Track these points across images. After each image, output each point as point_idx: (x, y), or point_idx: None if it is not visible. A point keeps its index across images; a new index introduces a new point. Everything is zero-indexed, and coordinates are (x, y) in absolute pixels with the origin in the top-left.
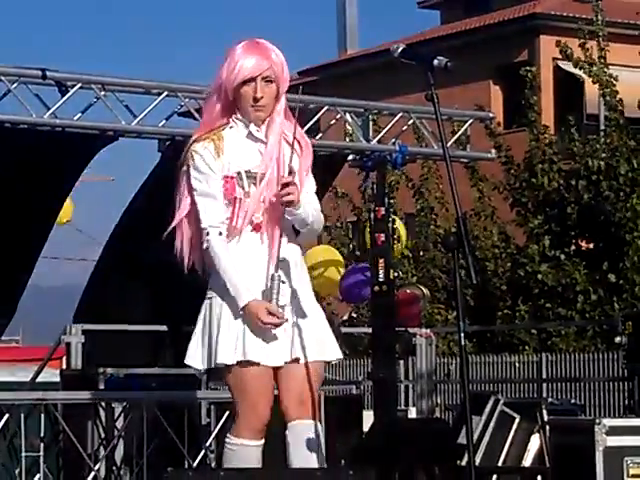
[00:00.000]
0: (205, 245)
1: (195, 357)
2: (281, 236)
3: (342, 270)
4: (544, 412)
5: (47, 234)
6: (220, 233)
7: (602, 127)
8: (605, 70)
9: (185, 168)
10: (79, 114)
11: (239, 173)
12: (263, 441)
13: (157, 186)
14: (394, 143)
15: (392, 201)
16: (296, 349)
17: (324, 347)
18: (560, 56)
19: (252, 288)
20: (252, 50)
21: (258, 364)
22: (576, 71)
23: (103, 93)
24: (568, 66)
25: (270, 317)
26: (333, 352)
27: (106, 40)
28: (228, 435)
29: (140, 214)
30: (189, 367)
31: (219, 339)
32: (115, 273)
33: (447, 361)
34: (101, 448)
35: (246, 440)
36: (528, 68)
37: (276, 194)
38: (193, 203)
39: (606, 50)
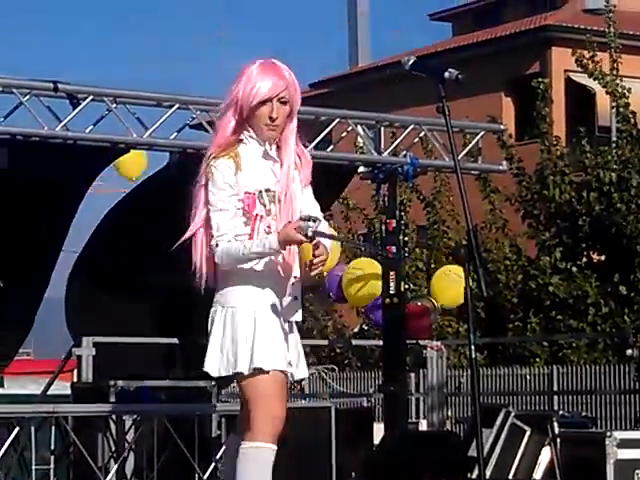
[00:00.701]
0: (216, 254)
1: (212, 364)
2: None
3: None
4: (555, 425)
5: (60, 247)
6: (229, 240)
7: (614, 139)
8: (617, 82)
9: (203, 182)
10: (91, 126)
11: (260, 191)
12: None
13: (161, 190)
14: (405, 155)
15: (403, 214)
16: (299, 363)
17: (304, 364)
18: (572, 68)
19: (271, 301)
20: (268, 71)
21: (283, 372)
22: (588, 83)
23: (115, 105)
24: (580, 78)
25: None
26: (305, 370)
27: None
28: (243, 441)
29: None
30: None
31: (249, 346)
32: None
33: (458, 373)
34: (112, 461)
35: (264, 443)
36: (540, 79)
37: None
38: (208, 218)
39: (619, 62)
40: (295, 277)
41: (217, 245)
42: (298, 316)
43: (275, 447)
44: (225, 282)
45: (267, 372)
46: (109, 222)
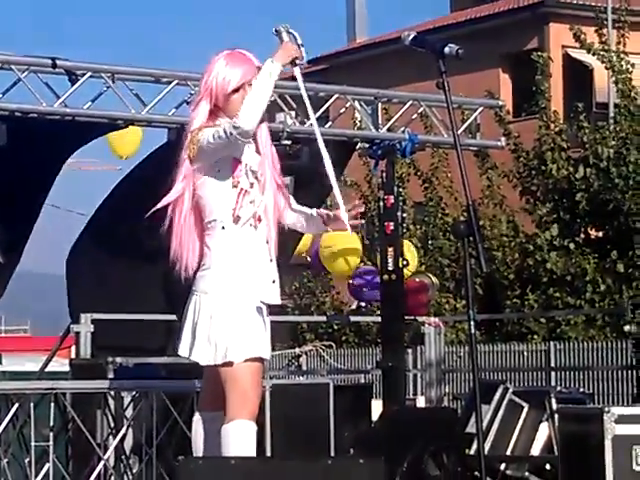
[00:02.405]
0: (241, 128)
1: (201, 354)
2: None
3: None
4: (553, 401)
5: (35, 216)
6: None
7: (611, 115)
8: (621, 57)
9: (185, 155)
10: (89, 103)
11: (246, 164)
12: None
13: (159, 168)
14: (404, 131)
15: (401, 190)
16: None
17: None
18: (569, 44)
19: (253, 288)
20: (238, 59)
21: (262, 359)
22: (586, 59)
23: (113, 82)
24: (578, 54)
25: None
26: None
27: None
28: (225, 425)
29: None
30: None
31: (240, 336)
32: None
33: (456, 350)
34: (110, 437)
35: (247, 420)
36: (539, 53)
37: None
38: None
39: (626, 37)
40: (271, 260)
41: (236, 125)
42: (277, 299)
43: (255, 426)
44: (206, 268)
45: (254, 360)
46: (109, 202)
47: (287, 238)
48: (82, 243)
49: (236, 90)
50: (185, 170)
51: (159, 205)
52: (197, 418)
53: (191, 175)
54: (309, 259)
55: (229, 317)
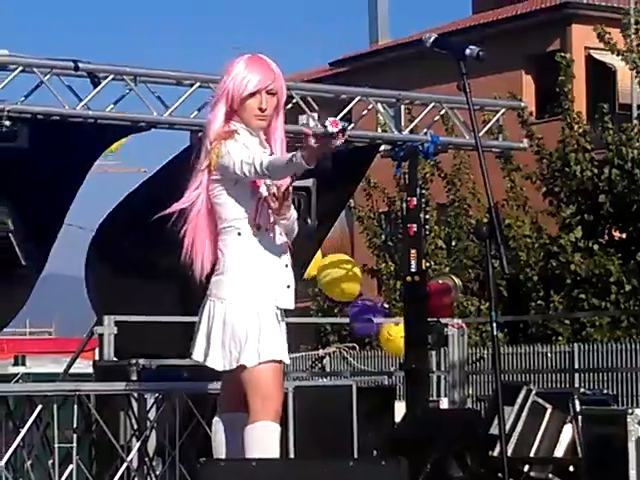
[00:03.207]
0: (259, 173)
1: (216, 360)
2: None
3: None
4: (576, 402)
5: (62, 222)
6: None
7: (635, 116)
8: None
9: (204, 167)
10: (111, 105)
11: None
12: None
13: (181, 171)
14: (426, 133)
15: (424, 192)
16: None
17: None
18: (592, 45)
19: (268, 293)
20: (257, 64)
21: (280, 361)
22: (609, 60)
23: (135, 84)
24: (600, 55)
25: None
26: None
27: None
28: (248, 426)
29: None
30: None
31: (254, 341)
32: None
33: (479, 352)
34: (133, 439)
35: (270, 422)
36: (563, 55)
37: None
38: (208, 200)
39: None
40: (287, 266)
41: (262, 163)
42: (291, 304)
43: (279, 427)
44: (220, 273)
45: (271, 362)
46: (129, 203)
47: (305, 241)
48: (95, 249)
49: (252, 95)
50: (201, 177)
51: (169, 210)
52: (217, 420)
53: (208, 182)
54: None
55: (243, 323)
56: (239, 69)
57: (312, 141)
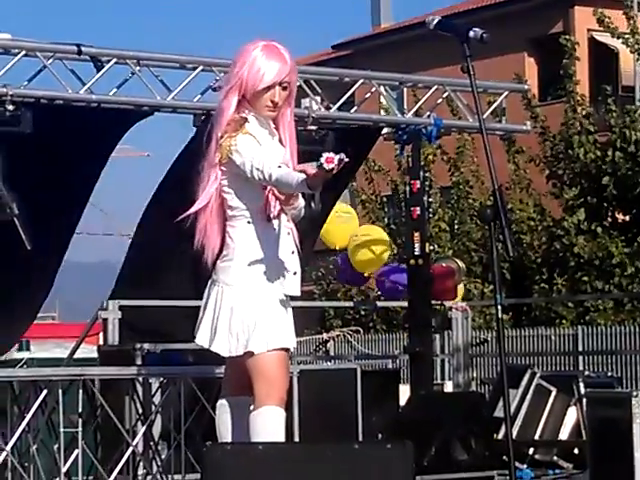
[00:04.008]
0: (271, 181)
1: (222, 346)
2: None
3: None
4: (581, 385)
5: (82, 210)
6: (280, 166)
7: (638, 97)
8: None
9: (216, 161)
10: (114, 89)
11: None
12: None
13: (192, 160)
14: (429, 116)
15: (427, 174)
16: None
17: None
18: (595, 27)
19: (275, 279)
20: (273, 56)
21: (287, 349)
22: (611, 42)
23: (138, 68)
24: (603, 37)
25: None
26: None
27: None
28: (253, 412)
29: (175, 189)
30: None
31: (263, 327)
32: (152, 248)
33: (484, 335)
34: (139, 424)
35: (276, 406)
36: (567, 37)
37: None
38: (219, 197)
39: None
40: (293, 252)
41: (271, 176)
42: (297, 291)
43: (284, 412)
44: (229, 259)
45: (280, 350)
46: (159, 198)
47: (309, 225)
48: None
49: (267, 88)
50: (215, 172)
51: (191, 210)
52: (220, 404)
53: (219, 174)
54: (339, 261)
55: (251, 309)
56: (254, 59)
57: (311, 173)
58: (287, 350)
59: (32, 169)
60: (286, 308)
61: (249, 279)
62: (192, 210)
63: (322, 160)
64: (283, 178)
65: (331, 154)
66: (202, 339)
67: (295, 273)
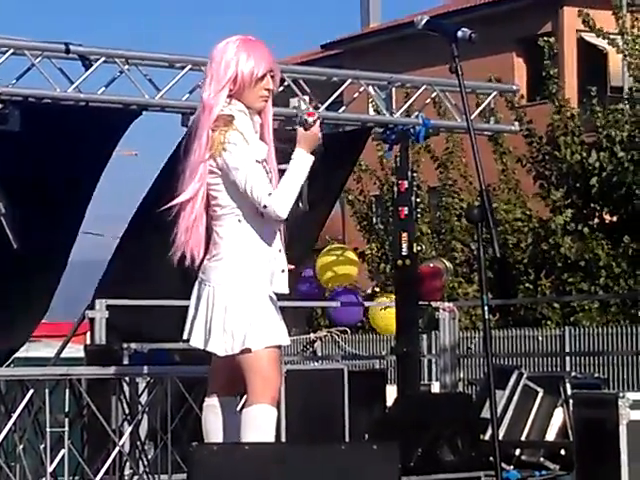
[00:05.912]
0: (271, 212)
1: (217, 345)
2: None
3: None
4: (567, 386)
5: (81, 210)
6: (270, 193)
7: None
8: (636, 41)
9: (206, 157)
10: (103, 88)
11: (263, 160)
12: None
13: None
14: (417, 116)
15: (415, 174)
16: None
17: None
18: (584, 27)
19: (265, 277)
20: (257, 46)
21: (280, 347)
22: (600, 43)
23: (127, 67)
24: (591, 38)
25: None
26: None
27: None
28: (245, 409)
29: (165, 189)
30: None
31: (258, 325)
32: (140, 248)
33: (470, 335)
34: (125, 423)
35: (268, 405)
36: (546, 39)
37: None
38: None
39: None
40: (280, 251)
41: (266, 206)
42: (285, 288)
43: (276, 411)
44: (219, 259)
45: (274, 347)
46: (149, 200)
47: (306, 226)
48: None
49: (261, 78)
50: (203, 168)
51: (174, 202)
52: (207, 404)
53: (207, 171)
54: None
55: (245, 307)
56: (245, 53)
57: (301, 136)
58: (279, 347)
59: (20, 168)
60: (276, 306)
61: (241, 277)
62: (177, 201)
63: (304, 117)
64: (283, 192)
65: (311, 109)
66: (197, 341)
67: (283, 271)
